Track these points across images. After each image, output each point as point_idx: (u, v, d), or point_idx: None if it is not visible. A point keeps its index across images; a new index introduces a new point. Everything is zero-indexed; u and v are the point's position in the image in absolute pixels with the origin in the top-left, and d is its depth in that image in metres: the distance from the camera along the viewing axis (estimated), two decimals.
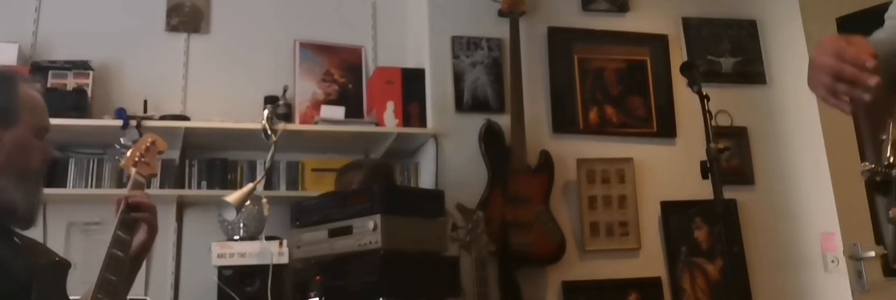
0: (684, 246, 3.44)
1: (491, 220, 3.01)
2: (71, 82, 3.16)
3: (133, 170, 1.73)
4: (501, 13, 3.46)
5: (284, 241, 2.96)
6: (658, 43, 3.70)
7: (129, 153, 1.77)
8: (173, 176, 3.27)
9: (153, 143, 1.83)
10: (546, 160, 3.31)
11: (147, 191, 1.75)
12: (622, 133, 3.53)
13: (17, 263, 1.43)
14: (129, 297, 1.62)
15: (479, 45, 3.48)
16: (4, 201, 1.46)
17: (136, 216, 1.63)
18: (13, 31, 3.34)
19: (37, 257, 1.48)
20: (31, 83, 1.58)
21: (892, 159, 1.20)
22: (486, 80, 3.45)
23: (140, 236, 1.66)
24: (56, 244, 3.04)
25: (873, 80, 1.15)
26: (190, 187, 3.27)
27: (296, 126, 3.32)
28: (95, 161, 3.21)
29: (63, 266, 1.51)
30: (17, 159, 1.49)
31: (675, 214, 3.46)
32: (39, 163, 1.55)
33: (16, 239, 1.50)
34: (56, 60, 3.24)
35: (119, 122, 3.06)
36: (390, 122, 3.36)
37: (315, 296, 2.75)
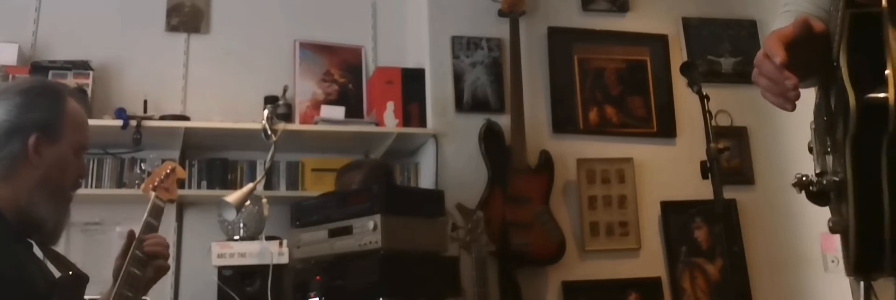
0: (684, 246, 3.44)
1: (491, 220, 3.00)
2: (71, 82, 3.15)
3: (152, 195, 1.73)
4: (501, 13, 3.46)
5: (284, 241, 2.96)
6: (658, 43, 3.70)
7: (148, 178, 1.79)
8: None
9: (173, 169, 1.85)
10: (546, 160, 3.31)
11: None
12: (622, 133, 3.53)
13: (39, 276, 1.43)
14: None
15: (479, 45, 3.48)
16: (35, 217, 1.46)
17: (155, 264, 1.62)
18: (13, 31, 3.34)
19: (58, 270, 1.48)
20: (76, 95, 1.58)
21: (818, 169, 1.17)
22: (486, 80, 3.45)
23: (149, 273, 1.65)
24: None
25: (790, 81, 1.12)
26: (190, 187, 3.27)
27: (296, 126, 3.33)
28: (95, 161, 3.21)
29: (82, 280, 1.51)
30: (54, 176, 1.49)
31: (675, 214, 3.46)
32: (73, 181, 1.55)
33: (37, 251, 1.51)
34: (56, 60, 3.24)
35: (119, 122, 3.07)
36: (390, 122, 3.36)
37: (315, 296, 2.75)
